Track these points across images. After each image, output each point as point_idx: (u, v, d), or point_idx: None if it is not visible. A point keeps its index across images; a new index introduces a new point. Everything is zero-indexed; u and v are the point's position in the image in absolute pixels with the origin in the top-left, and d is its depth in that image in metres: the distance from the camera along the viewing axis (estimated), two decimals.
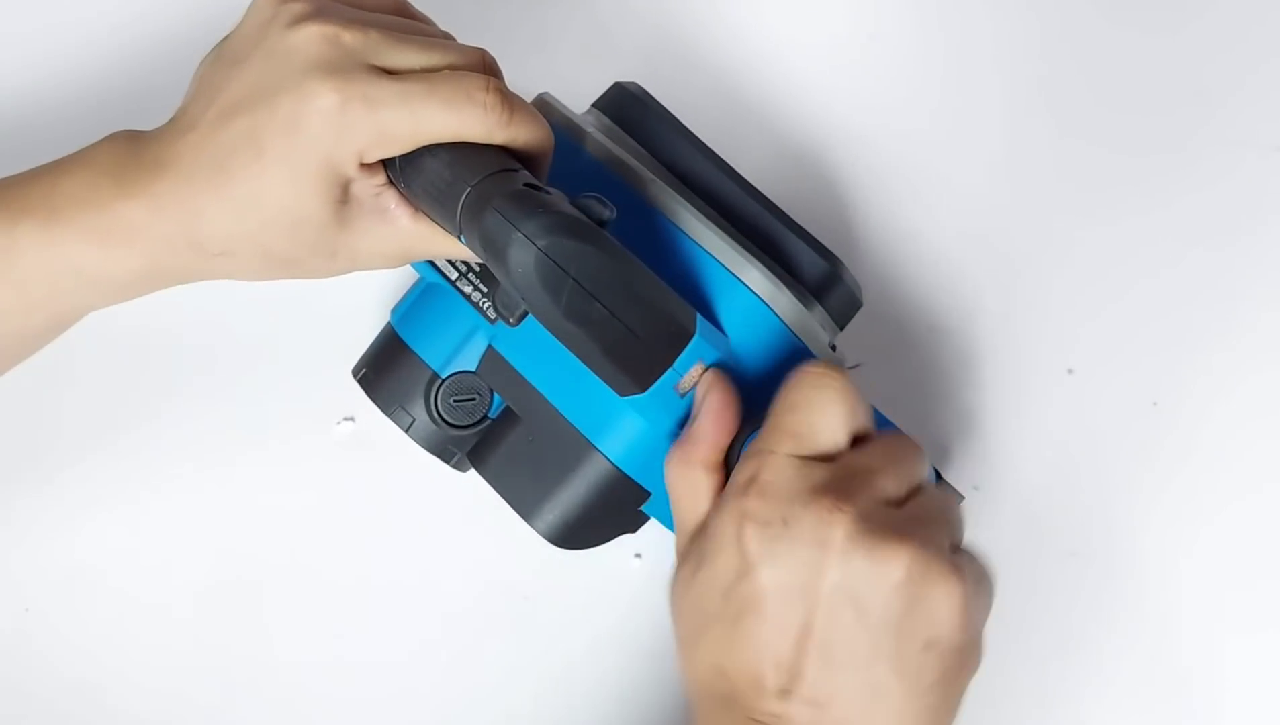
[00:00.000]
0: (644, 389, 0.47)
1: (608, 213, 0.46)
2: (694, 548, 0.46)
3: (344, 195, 0.48)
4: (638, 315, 0.46)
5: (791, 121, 0.74)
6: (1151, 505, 0.61)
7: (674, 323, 0.47)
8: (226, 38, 0.51)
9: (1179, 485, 0.61)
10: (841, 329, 0.56)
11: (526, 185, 0.46)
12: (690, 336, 0.47)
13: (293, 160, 0.47)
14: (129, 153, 0.49)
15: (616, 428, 0.49)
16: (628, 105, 0.55)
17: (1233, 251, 0.68)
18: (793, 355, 0.50)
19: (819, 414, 0.46)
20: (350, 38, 0.48)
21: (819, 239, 0.54)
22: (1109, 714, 0.56)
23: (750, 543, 0.44)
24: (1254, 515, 0.61)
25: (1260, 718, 0.56)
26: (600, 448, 0.49)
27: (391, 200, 0.49)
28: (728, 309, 0.50)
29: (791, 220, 0.54)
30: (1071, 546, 0.60)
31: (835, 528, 0.43)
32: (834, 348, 0.54)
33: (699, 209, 0.52)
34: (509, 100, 0.48)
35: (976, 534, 0.59)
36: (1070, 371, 0.65)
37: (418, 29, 0.51)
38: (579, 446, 0.50)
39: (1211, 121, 0.73)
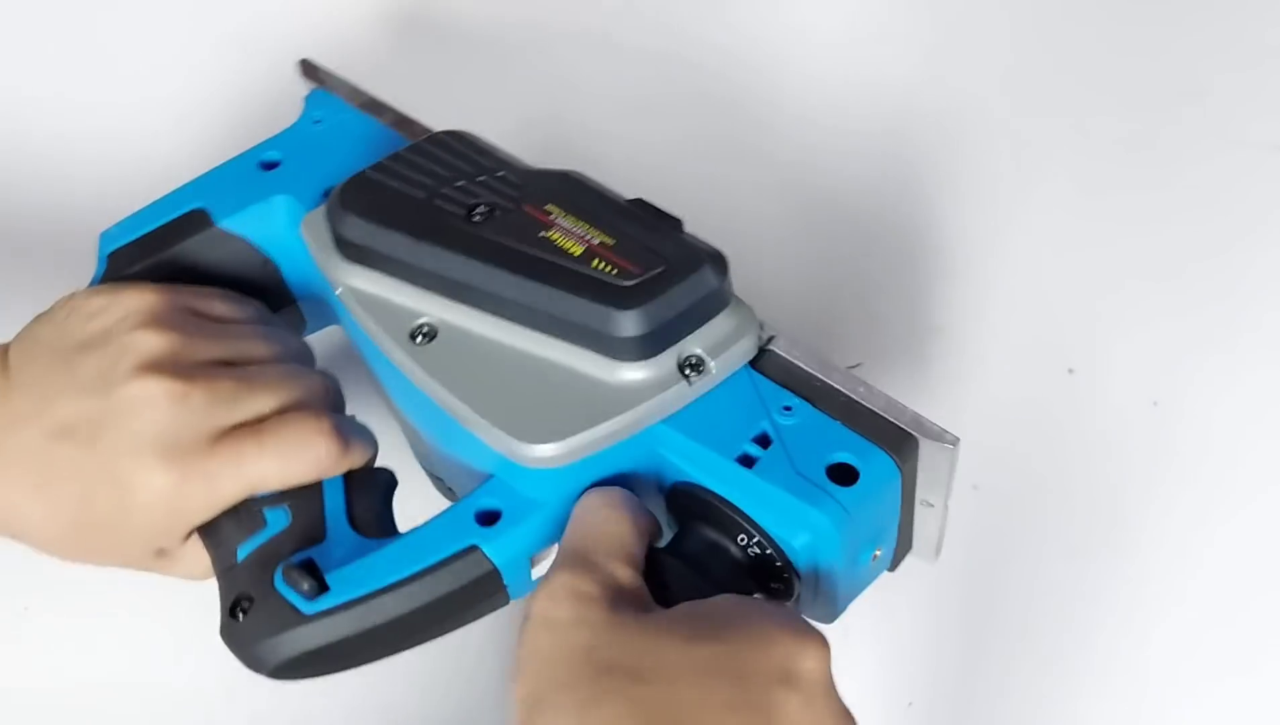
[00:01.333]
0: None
1: (306, 587, 0.44)
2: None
3: (170, 547, 0.48)
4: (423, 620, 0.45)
5: (792, 120, 0.74)
6: (1151, 505, 0.61)
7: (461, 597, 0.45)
8: (76, 310, 0.48)
9: (1179, 485, 0.61)
10: (702, 322, 0.46)
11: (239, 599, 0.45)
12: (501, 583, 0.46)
13: (121, 519, 0.46)
14: None
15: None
16: (351, 247, 0.49)
17: (1233, 251, 0.68)
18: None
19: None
20: (200, 398, 0.46)
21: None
22: (1109, 714, 0.56)
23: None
24: (1254, 514, 0.61)
25: (1261, 717, 0.56)
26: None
27: None
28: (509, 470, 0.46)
29: (568, 269, 0.46)
30: (1071, 546, 0.60)
31: None
32: (697, 366, 0.46)
33: (448, 341, 0.47)
34: (341, 435, 0.47)
35: (977, 534, 0.60)
36: (1070, 371, 0.65)
37: (261, 352, 0.50)
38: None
39: (1212, 121, 0.73)
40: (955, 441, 0.44)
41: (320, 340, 0.57)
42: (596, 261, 0.45)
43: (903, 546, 0.48)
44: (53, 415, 0.46)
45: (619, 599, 0.41)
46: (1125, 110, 0.74)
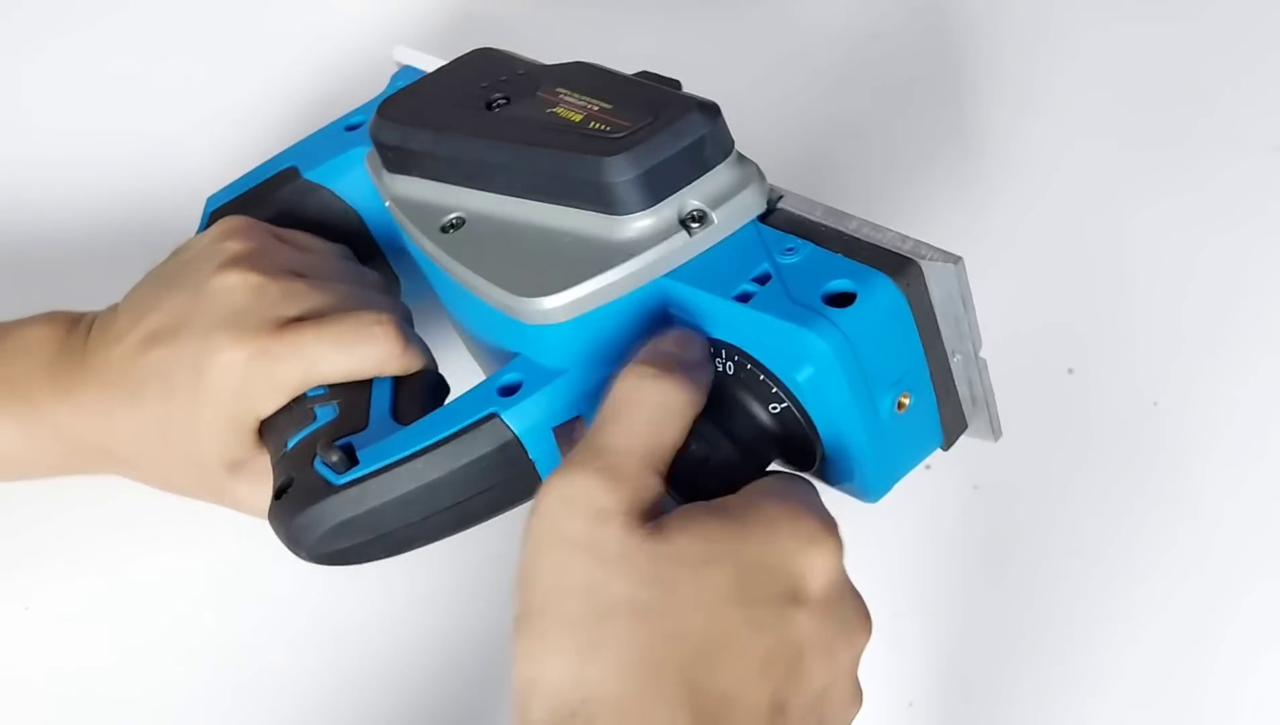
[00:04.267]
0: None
1: (336, 459, 0.47)
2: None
3: (241, 454, 0.51)
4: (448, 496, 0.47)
5: (790, 117, 0.74)
6: (1151, 505, 0.61)
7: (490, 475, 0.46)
8: (179, 249, 0.55)
9: (1179, 485, 0.61)
10: (711, 166, 0.45)
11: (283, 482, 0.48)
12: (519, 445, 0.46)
13: (196, 408, 0.50)
14: (63, 346, 0.53)
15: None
16: (389, 151, 0.52)
17: (1233, 251, 0.68)
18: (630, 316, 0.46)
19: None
20: (274, 289, 0.50)
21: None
22: (1109, 714, 0.56)
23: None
24: (1253, 515, 0.61)
25: (1261, 717, 0.56)
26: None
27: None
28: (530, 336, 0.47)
29: (567, 133, 0.47)
30: (1071, 546, 0.60)
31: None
32: (700, 218, 0.45)
33: (471, 220, 0.49)
34: (401, 332, 0.50)
35: (977, 534, 0.60)
36: (1070, 371, 0.65)
37: (333, 268, 0.54)
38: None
39: (1211, 121, 0.73)
40: (957, 259, 0.43)
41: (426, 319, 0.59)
42: (593, 124, 0.47)
43: (951, 418, 0.46)
44: (147, 324, 0.51)
45: (637, 513, 0.39)
46: (1126, 111, 0.74)
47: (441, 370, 0.54)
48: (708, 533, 0.39)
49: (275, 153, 0.60)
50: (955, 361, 0.46)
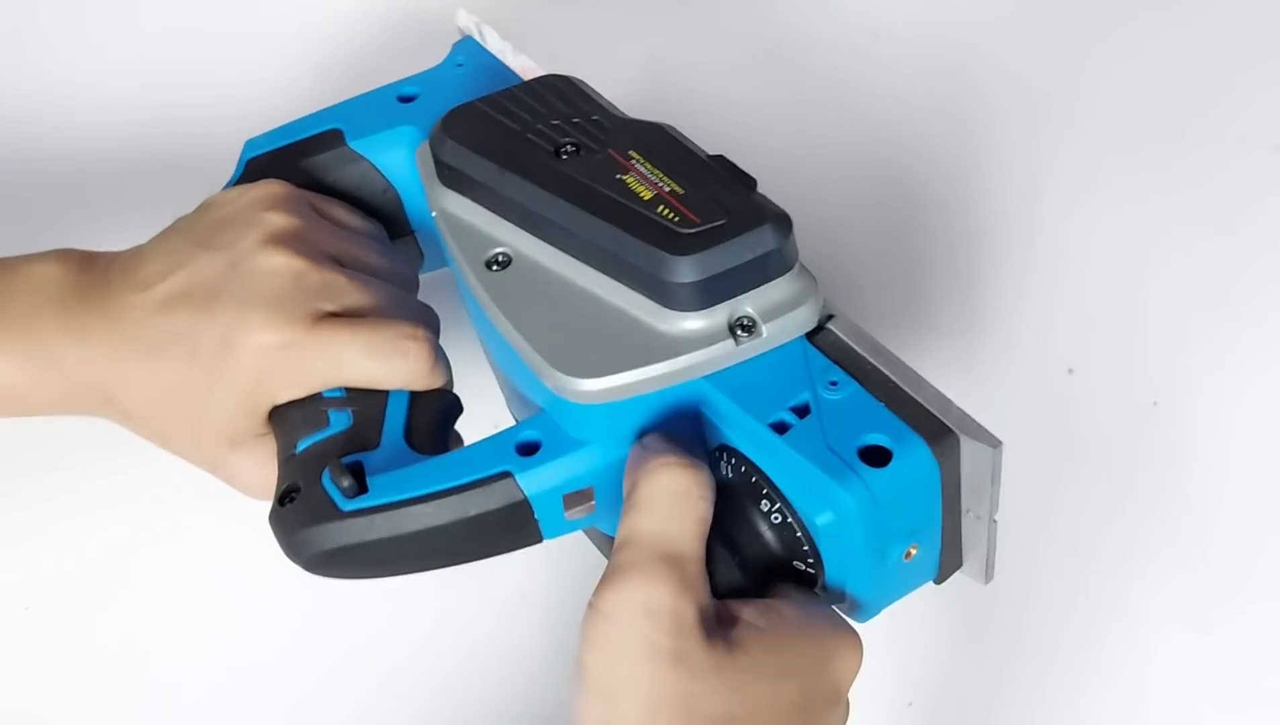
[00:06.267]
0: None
1: (346, 485, 0.46)
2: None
3: (245, 432, 0.50)
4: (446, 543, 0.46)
5: (792, 120, 0.74)
6: (1151, 505, 0.61)
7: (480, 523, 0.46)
8: (211, 204, 0.53)
9: (1179, 485, 0.61)
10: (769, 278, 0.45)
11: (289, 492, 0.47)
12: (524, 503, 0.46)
13: (215, 380, 0.49)
14: (76, 284, 0.51)
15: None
16: (448, 171, 0.51)
17: (1233, 251, 0.68)
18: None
19: None
20: (315, 279, 0.49)
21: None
22: (1109, 714, 0.56)
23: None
24: (1253, 515, 0.61)
25: (1260, 717, 0.56)
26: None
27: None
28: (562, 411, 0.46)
29: (634, 211, 0.47)
30: (1070, 546, 0.60)
31: None
32: (749, 327, 0.45)
33: (518, 266, 0.48)
34: (433, 351, 0.50)
35: None
36: (1070, 371, 0.65)
37: (372, 262, 0.52)
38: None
39: (1211, 121, 0.73)
40: (997, 444, 0.43)
41: (442, 292, 0.58)
42: (662, 207, 0.46)
43: (949, 559, 0.47)
44: (177, 281, 0.49)
45: (705, 620, 0.41)
46: (1126, 113, 0.74)
47: (457, 354, 0.53)
48: (779, 644, 0.42)
49: (319, 106, 0.58)
50: (968, 518, 0.46)
